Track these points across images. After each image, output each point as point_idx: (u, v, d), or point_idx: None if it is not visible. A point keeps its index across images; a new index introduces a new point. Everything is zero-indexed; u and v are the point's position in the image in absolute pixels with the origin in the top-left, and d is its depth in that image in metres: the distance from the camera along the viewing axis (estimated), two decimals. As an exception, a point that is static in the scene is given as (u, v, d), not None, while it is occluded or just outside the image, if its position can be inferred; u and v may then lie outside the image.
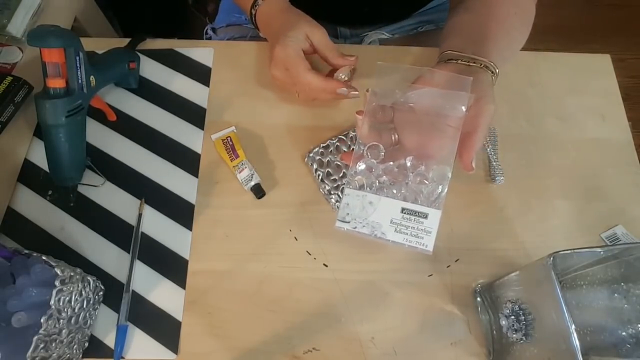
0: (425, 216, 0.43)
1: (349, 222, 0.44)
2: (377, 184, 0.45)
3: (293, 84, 0.55)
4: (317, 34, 0.54)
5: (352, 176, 0.46)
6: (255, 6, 0.58)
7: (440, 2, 0.75)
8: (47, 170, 0.53)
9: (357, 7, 0.68)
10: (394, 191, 0.45)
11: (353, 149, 0.47)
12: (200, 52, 0.64)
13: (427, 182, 0.44)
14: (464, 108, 0.43)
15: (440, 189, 0.44)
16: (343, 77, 0.55)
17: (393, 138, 0.48)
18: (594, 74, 0.63)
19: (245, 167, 0.55)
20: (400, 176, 0.45)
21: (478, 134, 0.44)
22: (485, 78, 0.47)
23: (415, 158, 0.45)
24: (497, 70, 0.48)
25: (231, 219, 0.54)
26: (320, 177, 0.55)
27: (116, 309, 0.50)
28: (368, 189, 0.45)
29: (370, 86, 0.47)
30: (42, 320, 0.39)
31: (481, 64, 0.47)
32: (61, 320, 0.42)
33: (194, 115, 0.60)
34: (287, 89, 0.58)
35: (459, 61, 0.48)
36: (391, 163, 0.46)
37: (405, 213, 0.43)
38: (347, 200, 0.44)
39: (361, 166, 0.46)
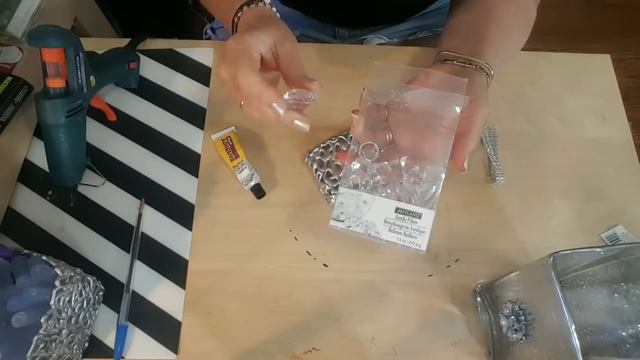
0: (419, 216, 0.43)
1: (343, 221, 0.44)
2: (372, 183, 0.45)
3: (235, 88, 0.43)
4: (287, 44, 0.45)
5: (347, 175, 0.46)
6: (239, 13, 0.50)
7: (439, 4, 0.75)
8: (47, 170, 0.53)
9: (356, 8, 0.68)
10: (388, 191, 0.45)
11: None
12: (200, 52, 0.64)
13: (421, 182, 0.44)
14: (458, 109, 0.43)
15: (434, 189, 0.44)
16: (287, 97, 0.45)
17: (387, 137, 0.48)
18: (594, 74, 0.63)
19: (245, 167, 0.55)
20: (395, 176, 0.45)
21: (471, 135, 0.44)
22: (480, 80, 0.47)
23: (410, 158, 0.45)
24: (492, 72, 0.48)
25: (231, 219, 0.54)
26: (320, 177, 0.55)
27: (116, 309, 0.50)
28: (362, 188, 0.45)
29: (367, 85, 0.47)
30: (42, 320, 0.39)
31: (476, 66, 0.47)
32: (61, 320, 0.42)
33: (194, 115, 0.60)
34: (233, 96, 0.46)
35: (455, 62, 0.48)
36: (385, 163, 0.46)
37: (399, 213, 0.43)
38: (341, 199, 0.44)
39: (356, 165, 0.46)
